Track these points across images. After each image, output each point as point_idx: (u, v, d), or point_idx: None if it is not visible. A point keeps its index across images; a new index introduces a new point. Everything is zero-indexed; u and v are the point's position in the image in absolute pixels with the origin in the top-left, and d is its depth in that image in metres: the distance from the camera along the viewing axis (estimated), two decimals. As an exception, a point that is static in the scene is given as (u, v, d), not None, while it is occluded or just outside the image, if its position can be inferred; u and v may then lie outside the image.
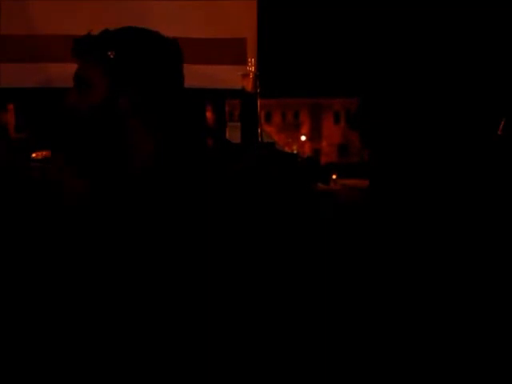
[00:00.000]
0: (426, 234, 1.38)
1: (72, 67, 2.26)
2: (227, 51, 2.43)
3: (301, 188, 1.58)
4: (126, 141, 1.48)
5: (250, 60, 2.43)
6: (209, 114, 2.61)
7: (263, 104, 2.30)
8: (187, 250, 1.43)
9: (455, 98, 1.33)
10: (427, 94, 1.32)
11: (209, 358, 1.42)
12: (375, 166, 1.37)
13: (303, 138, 65.31)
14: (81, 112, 1.49)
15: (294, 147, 57.45)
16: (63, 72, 2.29)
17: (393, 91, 1.34)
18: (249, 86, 2.42)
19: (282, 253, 1.48)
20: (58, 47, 2.34)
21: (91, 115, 1.47)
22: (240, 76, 2.42)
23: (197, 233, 1.45)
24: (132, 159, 1.49)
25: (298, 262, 1.50)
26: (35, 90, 2.32)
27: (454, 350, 1.28)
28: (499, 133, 1.48)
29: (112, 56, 1.48)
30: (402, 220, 1.40)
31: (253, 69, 2.42)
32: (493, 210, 1.32)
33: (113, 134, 1.48)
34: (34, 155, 1.99)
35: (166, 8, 2.41)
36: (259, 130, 2.50)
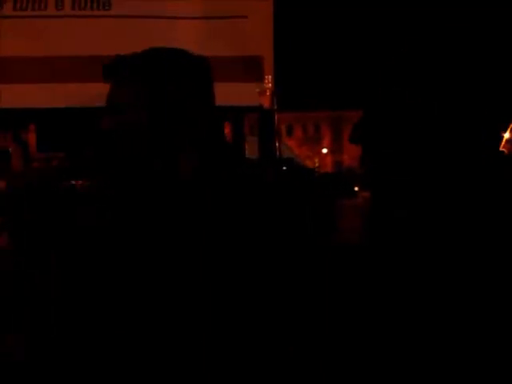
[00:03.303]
0: (431, 244, 1.38)
1: (71, 87, 2.28)
2: (244, 69, 2.45)
3: (318, 204, 1.59)
4: (174, 156, 1.52)
5: (267, 77, 2.46)
6: (227, 131, 2.63)
7: (284, 118, 2.32)
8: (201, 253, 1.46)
9: (459, 110, 1.35)
10: (431, 104, 1.34)
11: (208, 358, 1.43)
12: (376, 177, 1.38)
13: (325, 150, 65.22)
14: (116, 133, 1.52)
15: (316, 160, 57.39)
16: (64, 92, 2.33)
17: (396, 103, 1.36)
18: (266, 102, 2.45)
19: (297, 268, 1.50)
20: (59, 68, 2.37)
21: (138, 135, 1.50)
22: (257, 93, 2.44)
23: (205, 245, 1.47)
24: (179, 172, 1.52)
25: (312, 277, 1.51)
26: (56, 111, 2.36)
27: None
28: (502, 148, 1.48)
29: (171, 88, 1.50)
30: (406, 229, 1.40)
31: (270, 86, 2.44)
32: (498, 219, 1.32)
33: (162, 151, 1.51)
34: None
35: (183, 27, 2.45)
36: (277, 145, 2.52)
